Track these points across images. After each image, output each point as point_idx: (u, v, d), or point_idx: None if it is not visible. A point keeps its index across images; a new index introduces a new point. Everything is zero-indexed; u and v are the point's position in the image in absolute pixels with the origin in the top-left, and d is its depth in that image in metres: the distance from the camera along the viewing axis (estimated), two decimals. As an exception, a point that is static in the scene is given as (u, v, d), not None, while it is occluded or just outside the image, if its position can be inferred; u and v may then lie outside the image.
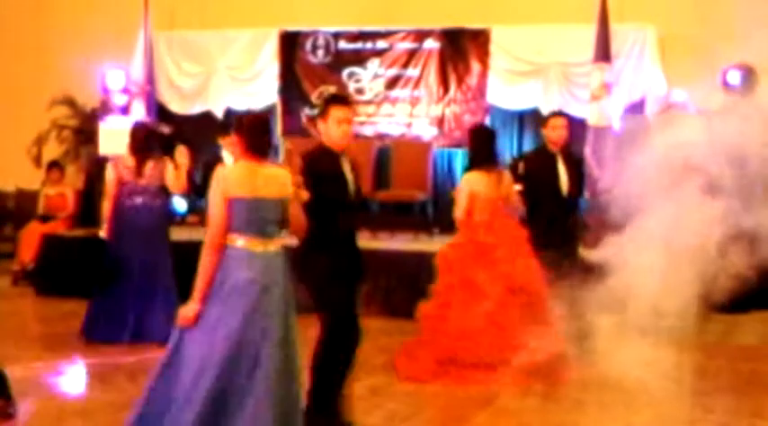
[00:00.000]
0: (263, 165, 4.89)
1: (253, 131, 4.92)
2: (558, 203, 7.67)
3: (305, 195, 5.19)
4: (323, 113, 5.68)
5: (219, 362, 4.62)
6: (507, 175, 7.47)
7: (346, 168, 5.68)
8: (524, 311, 7.01)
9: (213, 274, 4.74)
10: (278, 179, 4.90)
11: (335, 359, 5.69)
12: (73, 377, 7.27)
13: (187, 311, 4.72)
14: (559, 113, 8.11)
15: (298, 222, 5.03)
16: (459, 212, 7.40)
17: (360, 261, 5.83)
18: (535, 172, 7.77)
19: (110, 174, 8.51)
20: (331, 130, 5.61)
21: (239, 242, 4.77)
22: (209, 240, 4.78)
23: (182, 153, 8.22)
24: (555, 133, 7.69)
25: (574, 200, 7.74)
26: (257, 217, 4.79)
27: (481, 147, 7.41)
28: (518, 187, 7.56)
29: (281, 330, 4.75)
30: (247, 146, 4.88)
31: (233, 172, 4.89)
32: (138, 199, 8.47)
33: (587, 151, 10.43)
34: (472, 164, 7.43)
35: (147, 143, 8.59)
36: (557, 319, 7.19)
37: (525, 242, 7.35)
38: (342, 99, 5.87)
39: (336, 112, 5.59)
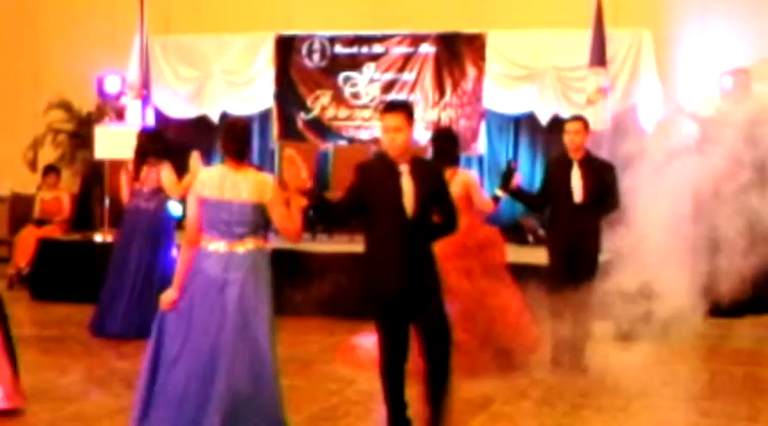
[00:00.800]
0: (240, 170, 5.22)
1: (228, 136, 5.28)
2: (569, 210, 7.60)
3: (302, 201, 5.22)
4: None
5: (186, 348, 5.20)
6: (462, 176, 7.48)
7: (404, 178, 5.28)
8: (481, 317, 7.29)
9: (187, 267, 5.26)
10: (251, 183, 5.17)
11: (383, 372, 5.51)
12: (68, 382, 7.25)
13: (165, 297, 5.28)
14: (574, 118, 7.96)
15: (284, 226, 5.25)
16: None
17: (420, 285, 5.32)
18: (550, 178, 7.79)
19: (121, 179, 9.17)
20: (381, 138, 5.41)
21: (204, 241, 5.23)
22: (185, 236, 5.33)
23: (195, 159, 8.33)
24: (567, 138, 7.67)
25: (588, 208, 7.55)
26: (220, 218, 5.17)
27: (446, 149, 7.49)
28: (499, 192, 7.55)
29: (238, 323, 5.14)
30: (224, 150, 5.26)
31: (205, 174, 5.33)
32: (136, 202, 8.94)
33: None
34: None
35: (142, 148, 8.99)
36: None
37: (479, 240, 7.54)
38: (386, 106, 5.51)
39: (383, 121, 5.37)
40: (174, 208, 10.31)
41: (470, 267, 7.46)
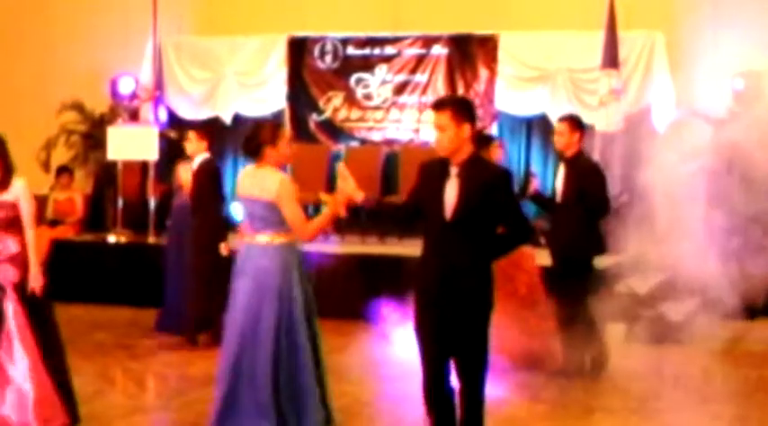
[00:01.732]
0: (260, 168, 5.60)
1: (244, 138, 5.75)
2: (556, 211, 7.68)
3: (341, 212, 5.34)
4: None
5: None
6: None
7: (451, 180, 4.92)
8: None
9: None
10: (263, 182, 5.52)
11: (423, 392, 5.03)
12: (81, 383, 7.26)
13: None
14: (561, 118, 7.88)
15: (293, 225, 5.54)
16: None
17: (449, 283, 4.88)
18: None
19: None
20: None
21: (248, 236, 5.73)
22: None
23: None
24: (555, 138, 7.71)
25: (567, 209, 7.44)
26: (245, 212, 5.73)
27: None
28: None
29: (246, 308, 5.59)
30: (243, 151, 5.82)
31: (242, 172, 5.83)
32: (175, 201, 9.30)
33: (595, 157, 10.42)
34: None
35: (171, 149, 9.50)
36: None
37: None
38: (433, 103, 5.19)
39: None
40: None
41: None
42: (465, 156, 4.93)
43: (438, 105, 5.02)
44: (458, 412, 4.99)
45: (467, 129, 4.93)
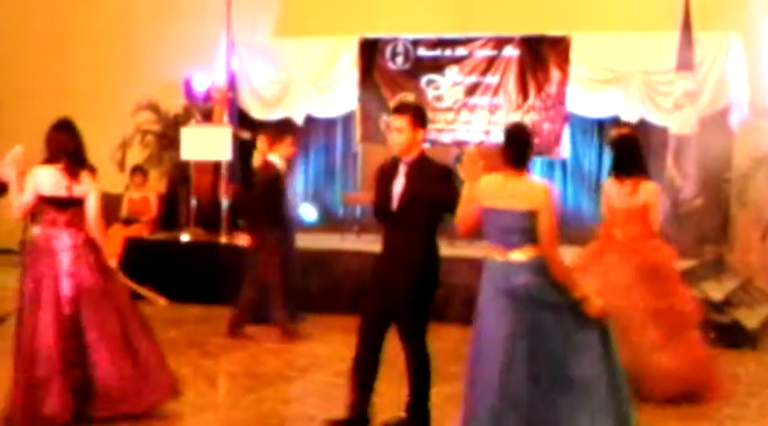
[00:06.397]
0: (518, 177, 5.08)
1: (510, 144, 5.13)
2: None
3: None
4: None
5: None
6: (649, 187, 7.16)
7: (399, 177, 5.75)
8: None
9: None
10: (526, 191, 5.04)
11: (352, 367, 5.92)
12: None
13: None
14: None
15: (544, 235, 5.02)
16: (602, 217, 7.45)
17: (400, 271, 5.74)
18: None
19: None
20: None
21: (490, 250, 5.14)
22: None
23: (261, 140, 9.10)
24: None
25: None
26: (497, 227, 5.08)
27: (620, 155, 7.29)
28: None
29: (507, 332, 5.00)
30: (506, 158, 5.11)
31: (485, 182, 5.14)
32: None
33: (669, 160, 10.30)
34: (610, 171, 7.37)
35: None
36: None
37: (647, 257, 7.07)
38: (394, 107, 6.08)
39: (390, 119, 5.90)
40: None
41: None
42: (414, 156, 5.72)
43: (400, 109, 5.80)
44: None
45: (420, 134, 5.75)
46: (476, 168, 5.16)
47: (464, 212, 5.24)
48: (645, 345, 6.75)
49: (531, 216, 4.98)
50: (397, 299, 5.73)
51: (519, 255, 5.02)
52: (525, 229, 4.99)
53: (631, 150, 7.31)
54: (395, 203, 5.71)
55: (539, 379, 4.95)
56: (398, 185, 5.72)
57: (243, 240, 9.16)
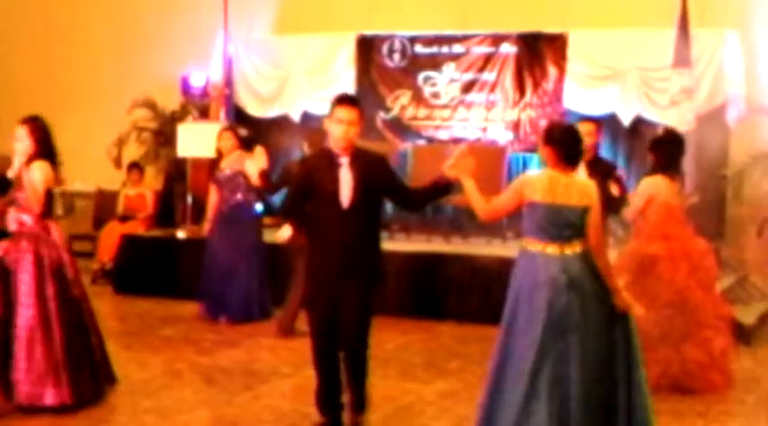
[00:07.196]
0: (569, 175, 5.28)
1: (563, 143, 5.28)
2: None
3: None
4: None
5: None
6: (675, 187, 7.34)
7: (343, 170, 5.60)
8: (669, 325, 7.01)
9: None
10: (579, 188, 5.28)
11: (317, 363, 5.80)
12: (148, 376, 7.38)
13: None
14: (587, 119, 7.99)
15: (592, 233, 5.25)
16: (630, 214, 7.40)
17: (356, 265, 5.60)
18: None
19: None
20: (332, 129, 5.69)
21: (531, 245, 5.28)
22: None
23: (259, 153, 8.43)
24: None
25: None
26: (551, 221, 5.23)
27: (670, 153, 7.33)
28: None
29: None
30: (558, 156, 5.26)
31: (536, 178, 5.36)
32: None
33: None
34: (657, 169, 7.33)
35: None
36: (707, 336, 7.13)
37: (697, 252, 7.25)
38: (343, 99, 5.84)
39: (338, 112, 5.67)
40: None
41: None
42: (353, 149, 5.65)
43: (353, 102, 5.77)
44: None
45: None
46: (467, 165, 5.47)
47: (505, 204, 5.47)
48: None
49: (584, 212, 5.22)
50: (355, 298, 5.60)
51: (573, 248, 5.21)
52: (578, 224, 5.21)
53: (681, 148, 7.44)
54: (346, 199, 5.55)
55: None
56: (346, 180, 5.57)
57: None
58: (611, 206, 7.48)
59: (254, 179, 8.98)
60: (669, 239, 7.19)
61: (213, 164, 9.75)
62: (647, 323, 6.85)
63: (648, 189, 7.27)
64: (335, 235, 5.56)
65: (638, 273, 7.02)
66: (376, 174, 5.65)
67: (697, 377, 7.01)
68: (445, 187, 5.76)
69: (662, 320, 6.92)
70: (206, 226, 9.75)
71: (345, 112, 5.64)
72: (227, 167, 9.49)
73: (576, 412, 5.08)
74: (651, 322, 6.82)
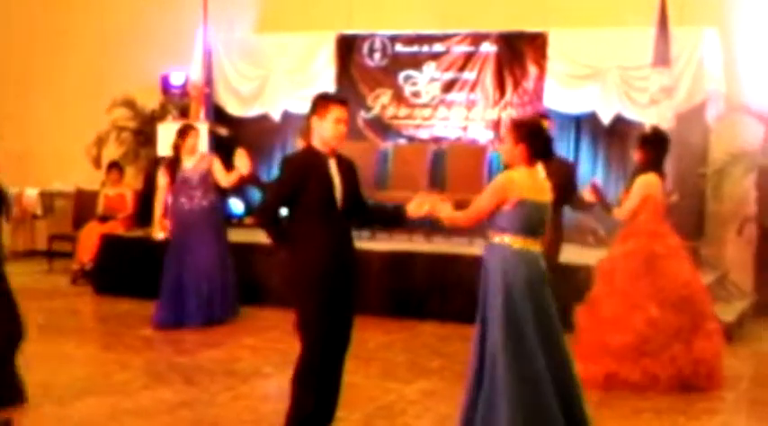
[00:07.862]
0: (535, 170, 5.35)
1: (537, 139, 5.30)
2: None
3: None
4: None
5: None
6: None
7: (333, 172, 5.46)
8: (680, 320, 7.07)
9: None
10: (545, 184, 5.38)
11: (318, 376, 5.41)
12: (128, 376, 7.35)
13: None
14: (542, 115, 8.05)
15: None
16: (624, 213, 7.39)
17: (350, 267, 5.51)
18: None
19: None
20: (328, 129, 5.50)
21: (516, 243, 5.24)
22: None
23: (240, 155, 8.36)
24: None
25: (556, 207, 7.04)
26: (536, 219, 5.29)
27: (658, 151, 7.41)
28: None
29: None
30: (530, 153, 5.27)
31: (517, 175, 5.27)
32: None
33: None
34: (648, 167, 7.37)
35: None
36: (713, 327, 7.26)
37: (683, 249, 7.43)
38: (340, 99, 5.75)
39: (336, 112, 5.52)
40: (235, 206, 10.65)
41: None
42: (335, 149, 5.55)
43: (347, 102, 5.69)
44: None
45: None
46: (431, 200, 5.59)
47: (489, 204, 5.30)
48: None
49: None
50: (349, 301, 5.53)
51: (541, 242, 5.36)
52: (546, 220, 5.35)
53: (668, 146, 7.53)
54: (339, 199, 5.44)
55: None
56: (337, 180, 5.45)
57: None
58: (573, 204, 7.82)
59: (229, 180, 9.04)
60: (664, 235, 7.27)
61: (172, 163, 9.40)
62: (663, 322, 6.92)
63: (644, 188, 7.30)
64: (333, 237, 5.41)
65: (645, 272, 7.07)
66: (352, 177, 5.60)
67: (704, 377, 7.08)
68: (400, 219, 5.79)
69: (674, 316, 7.00)
70: (161, 227, 9.55)
71: (343, 112, 5.56)
72: (193, 168, 9.29)
73: (572, 390, 5.27)
74: (666, 320, 6.89)
